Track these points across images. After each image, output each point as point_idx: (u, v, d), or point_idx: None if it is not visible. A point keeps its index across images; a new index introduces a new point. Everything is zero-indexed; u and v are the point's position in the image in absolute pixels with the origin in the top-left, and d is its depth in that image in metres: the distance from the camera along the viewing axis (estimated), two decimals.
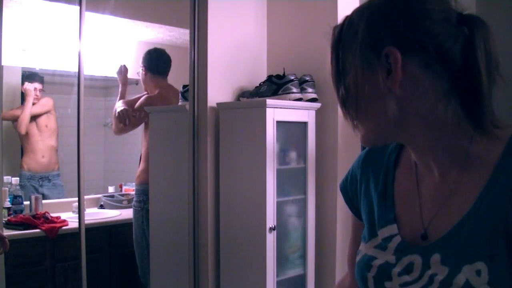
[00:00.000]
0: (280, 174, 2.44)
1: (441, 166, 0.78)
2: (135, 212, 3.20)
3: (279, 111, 2.41)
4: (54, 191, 3.73)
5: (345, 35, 0.79)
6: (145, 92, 3.32)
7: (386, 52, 0.73)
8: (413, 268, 0.76)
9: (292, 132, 2.58)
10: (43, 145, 3.71)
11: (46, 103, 3.73)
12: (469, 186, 0.74)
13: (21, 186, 3.52)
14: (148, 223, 3.11)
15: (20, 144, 3.68)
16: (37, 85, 3.64)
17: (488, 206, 0.71)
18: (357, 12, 0.80)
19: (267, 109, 2.36)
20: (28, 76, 3.67)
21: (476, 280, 0.68)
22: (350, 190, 0.97)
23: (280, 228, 2.45)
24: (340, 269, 2.59)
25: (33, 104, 3.64)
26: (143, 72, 3.27)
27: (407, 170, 0.86)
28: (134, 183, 3.39)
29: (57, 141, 3.79)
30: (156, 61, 3.27)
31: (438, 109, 0.74)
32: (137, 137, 3.79)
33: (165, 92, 3.24)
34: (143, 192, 3.16)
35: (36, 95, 3.63)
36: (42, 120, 3.72)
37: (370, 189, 0.90)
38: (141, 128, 3.36)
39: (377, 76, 0.74)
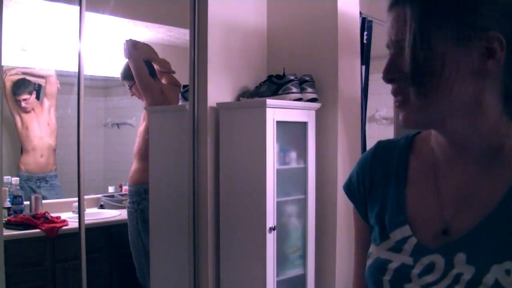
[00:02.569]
0: (280, 174, 2.44)
1: (473, 161, 0.77)
2: (129, 214, 3.20)
3: (279, 111, 2.41)
4: (51, 192, 3.72)
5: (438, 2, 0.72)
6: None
7: (493, 36, 0.70)
8: (434, 268, 0.74)
9: (292, 132, 2.58)
10: (43, 143, 3.70)
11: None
12: (497, 183, 0.74)
13: (19, 187, 3.53)
14: (143, 224, 3.11)
15: (20, 144, 3.67)
16: (26, 96, 3.62)
17: None
18: None
19: (267, 109, 2.36)
20: (17, 86, 3.63)
21: (506, 279, 0.67)
22: (357, 191, 0.94)
23: (280, 228, 2.45)
24: (340, 269, 2.59)
25: (27, 112, 3.63)
26: None
27: (422, 169, 0.84)
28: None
29: (56, 140, 3.79)
30: (148, 63, 3.31)
31: (495, 108, 0.74)
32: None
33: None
34: (136, 193, 3.16)
35: (25, 105, 3.61)
36: (44, 117, 3.71)
37: (380, 191, 0.88)
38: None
39: (472, 56, 0.70)
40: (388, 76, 0.76)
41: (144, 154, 3.15)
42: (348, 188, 0.96)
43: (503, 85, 0.73)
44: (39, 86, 3.72)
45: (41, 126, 3.71)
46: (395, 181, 0.86)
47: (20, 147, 3.67)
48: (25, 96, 3.61)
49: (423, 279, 0.75)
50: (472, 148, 0.76)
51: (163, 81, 3.33)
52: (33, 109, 3.67)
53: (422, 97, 0.73)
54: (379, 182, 0.89)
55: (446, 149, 0.80)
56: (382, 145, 0.93)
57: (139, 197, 3.14)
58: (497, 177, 0.74)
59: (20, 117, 3.61)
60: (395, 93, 0.76)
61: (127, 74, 3.28)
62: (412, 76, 0.72)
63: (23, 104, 3.60)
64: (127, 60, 3.23)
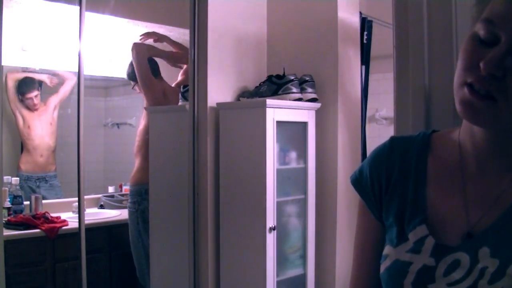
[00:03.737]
0: (280, 174, 2.44)
1: (504, 168, 0.76)
2: (130, 214, 3.20)
3: (279, 111, 2.41)
4: (51, 192, 3.72)
5: None
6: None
7: None
8: (460, 265, 0.74)
9: (292, 132, 2.58)
10: (43, 143, 3.70)
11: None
12: None
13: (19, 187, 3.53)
14: (144, 224, 3.11)
15: (20, 145, 3.67)
16: (35, 92, 3.62)
17: None
18: None
19: (267, 109, 2.36)
20: (24, 84, 3.63)
21: None
22: (369, 188, 0.89)
23: (280, 228, 2.45)
24: (340, 269, 2.59)
25: (34, 110, 3.63)
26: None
27: (444, 168, 0.82)
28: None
29: (55, 141, 3.79)
30: (152, 63, 3.32)
31: None
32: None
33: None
34: (137, 193, 3.16)
35: (36, 103, 3.62)
36: (47, 116, 3.71)
37: (398, 189, 0.85)
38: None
39: None
40: (490, 71, 0.68)
41: (145, 154, 3.15)
42: (359, 183, 0.91)
43: None
44: (41, 84, 3.72)
45: (43, 126, 3.70)
46: (414, 180, 0.84)
47: (20, 146, 3.67)
48: (35, 93, 3.62)
49: (449, 277, 0.74)
50: (505, 153, 0.76)
51: (180, 77, 3.33)
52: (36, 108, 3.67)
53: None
54: (396, 180, 0.86)
55: (478, 153, 0.78)
56: (398, 141, 0.89)
57: (140, 197, 3.14)
58: None
59: (22, 116, 3.61)
60: (484, 84, 0.69)
61: (130, 73, 3.31)
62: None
63: (34, 101, 3.60)
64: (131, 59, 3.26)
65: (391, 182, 0.86)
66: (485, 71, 0.69)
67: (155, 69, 3.28)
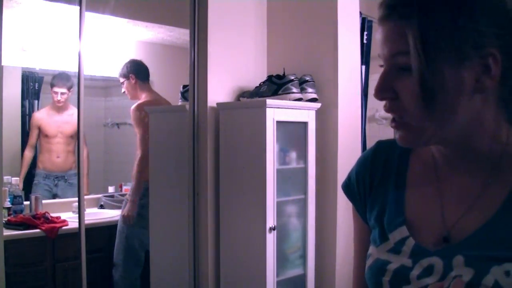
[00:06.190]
0: (280, 174, 2.44)
1: (474, 169, 0.77)
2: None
3: (279, 111, 2.41)
4: (70, 191, 3.71)
5: (435, 13, 0.68)
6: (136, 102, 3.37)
7: (489, 53, 0.69)
8: (434, 270, 0.74)
9: (292, 132, 2.58)
10: (60, 147, 3.71)
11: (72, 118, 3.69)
12: (498, 189, 0.74)
13: (35, 184, 3.57)
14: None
15: (21, 144, 3.67)
16: (63, 90, 3.61)
17: None
18: None
19: (267, 109, 2.36)
20: (59, 77, 3.61)
21: (506, 280, 0.68)
22: (356, 191, 0.93)
23: (280, 228, 2.45)
24: (340, 269, 2.59)
25: (59, 108, 3.63)
26: (133, 81, 3.37)
27: (423, 170, 0.84)
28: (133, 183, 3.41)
29: (74, 146, 3.78)
30: (144, 67, 3.43)
31: (491, 116, 0.74)
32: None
33: (155, 95, 3.39)
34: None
35: (58, 100, 3.61)
36: (68, 131, 3.71)
37: (380, 192, 0.88)
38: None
39: (471, 73, 0.69)
40: (381, 96, 0.73)
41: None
42: (347, 188, 0.95)
43: (500, 94, 0.73)
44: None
45: (64, 138, 3.71)
46: (395, 183, 0.86)
47: (21, 146, 3.67)
48: (63, 90, 3.62)
49: (422, 280, 0.75)
50: (471, 156, 0.77)
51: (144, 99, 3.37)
52: (63, 107, 3.67)
53: (424, 118, 0.71)
54: (379, 183, 0.88)
55: (446, 156, 0.80)
56: (382, 145, 0.92)
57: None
58: (498, 182, 0.74)
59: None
60: (389, 110, 0.74)
61: (121, 71, 3.41)
62: (416, 97, 0.70)
63: (59, 96, 3.60)
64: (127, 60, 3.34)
65: (374, 184, 0.89)
66: (377, 98, 0.73)
67: (146, 74, 3.40)
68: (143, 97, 3.34)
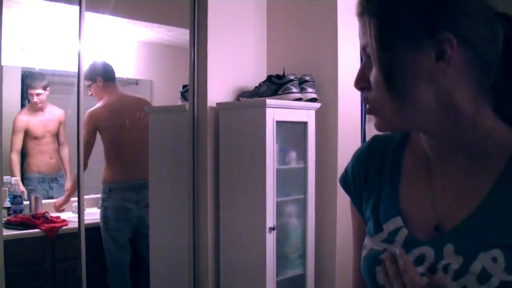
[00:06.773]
0: (280, 174, 2.44)
1: (459, 160, 0.79)
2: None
3: (279, 111, 2.41)
4: (62, 192, 3.71)
5: (392, 1, 0.73)
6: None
7: (443, 37, 0.71)
8: (425, 259, 0.76)
9: (292, 132, 2.58)
10: (50, 147, 3.69)
11: (53, 116, 3.68)
12: (484, 179, 0.75)
13: (31, 189, 3.51)
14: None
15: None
16: (39, 90, 3.55)
17: (502, 195, 0.73)
18: None
19: (267, 109, 2.36)
20: (32, 78, 3.57)
21: (493, 267, 0.69)
22: (352, 185, 0.95)
23: (280, 228, 2.45)
24: (340, 269, 2.59)
25: (38, 109, 3.59)
26: (100, 83, 3.35)
27: (416, 163, 0.86)
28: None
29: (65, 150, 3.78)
30: (110, 68, 3.42)
31: (469, 104, 0.74)
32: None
33: (118, 95, 3.41)
34: (103, 191, 3.33)
35: (35, 101, 3.53)
36: (53, 129, 3.68)
37: (374, 184, 0.90)
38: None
39: (426, 58, 0.71)
40: (358, 85, 0.79)
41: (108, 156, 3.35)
42: (344, 181, 0.97)
43: (481, 81, 0.74)
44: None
45: (54, 141, 3.70)
46: (389, 175, 0.88)
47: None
48: (39, 90, 3.55)
49: None
50: (455, 144, 0.78)
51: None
52: (41, 107, 3.62)
53: (390, 103, 0.74)
54: (373, 176, 0.91)
55: (433, 146, 0.82)
56: (377, 140, 0.94)
57: (105, 194, 3.30)
58: (485, 170, 0.76)
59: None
60: (365, 99, 0.79)
61: (86, 73, 3.24)
62: (379, 83, 0.74)
63: (35, 98, 3.52)
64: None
65: (369, 177, 0.91)
66: (356, 88, 0.79)
67: (112, 75, 3.41)
68: (103, 100, 3.34)
